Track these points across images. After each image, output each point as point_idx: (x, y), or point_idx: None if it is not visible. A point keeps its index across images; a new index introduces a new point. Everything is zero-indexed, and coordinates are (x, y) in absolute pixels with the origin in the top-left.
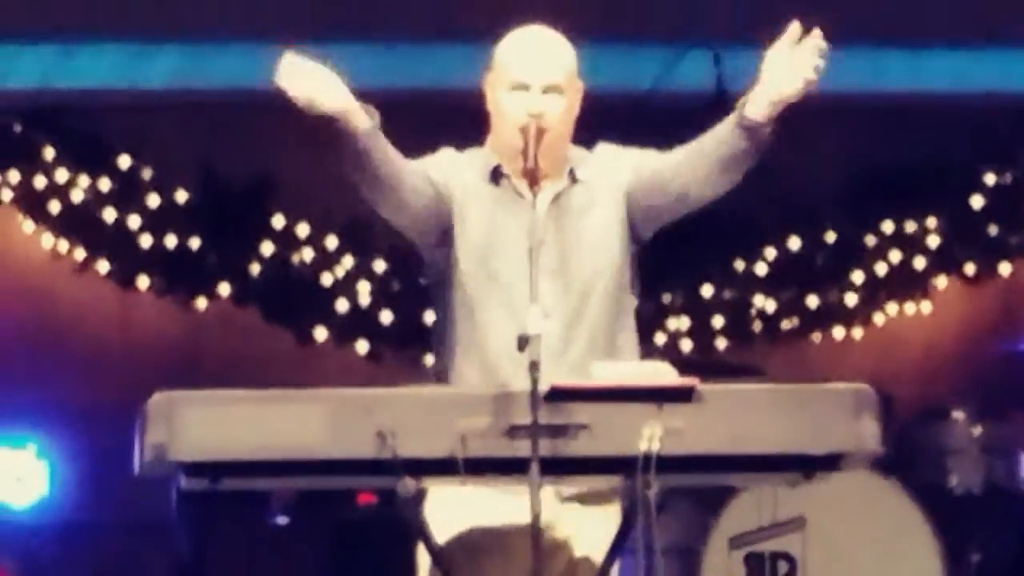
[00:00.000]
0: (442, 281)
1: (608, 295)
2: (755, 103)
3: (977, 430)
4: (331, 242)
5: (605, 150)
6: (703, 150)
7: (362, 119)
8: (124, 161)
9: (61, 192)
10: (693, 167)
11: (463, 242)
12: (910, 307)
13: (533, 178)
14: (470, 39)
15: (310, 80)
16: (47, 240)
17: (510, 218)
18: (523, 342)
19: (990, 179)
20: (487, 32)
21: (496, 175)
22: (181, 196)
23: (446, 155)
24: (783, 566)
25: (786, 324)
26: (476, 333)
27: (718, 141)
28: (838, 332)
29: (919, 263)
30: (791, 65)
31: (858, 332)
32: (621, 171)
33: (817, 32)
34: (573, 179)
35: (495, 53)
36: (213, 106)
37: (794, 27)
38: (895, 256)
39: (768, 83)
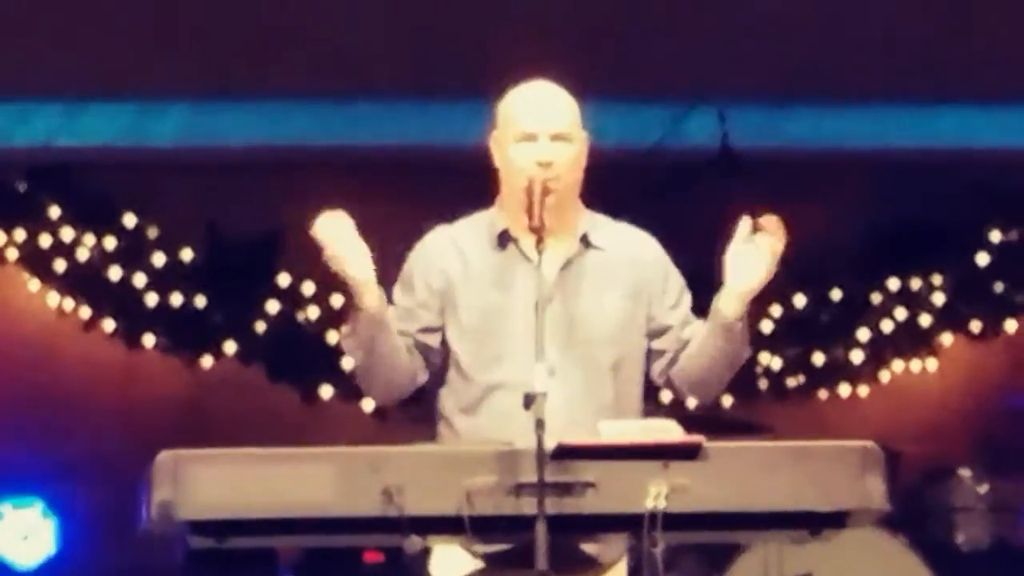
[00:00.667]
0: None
1: (614, 369)
2: (726, 302)
3: (984, 487)
4: (337, 300)
5: (639, 236)
6: (690, 354)
7: (373, 297)
8: (130, 219)
9: (67, 250)
10: (683, 367)
11: (455, 328)
12: (916, 364)
13: (539, 235)
14: (475, 96)
15: (344, 242)
16: (52, 298)
17: (517, 281)
18: (529, 400)
19: (995, 236)
20: (494, 90)
21: (503, 239)
22: (187, 254)
23: (420, 257)
24: None
25: (792, 381)
26: (472, 402)
27: (700, 347)
28: (844, 389)
29: (925, 320)
30: (750, 258)
31: (864, 389)
32: (654, 282)
33: (770, 222)
34: (587, 244)
35: (499, 110)
36: (218, 164)
37: (744, 223)
38: (901, 313)
39: (733, 281)
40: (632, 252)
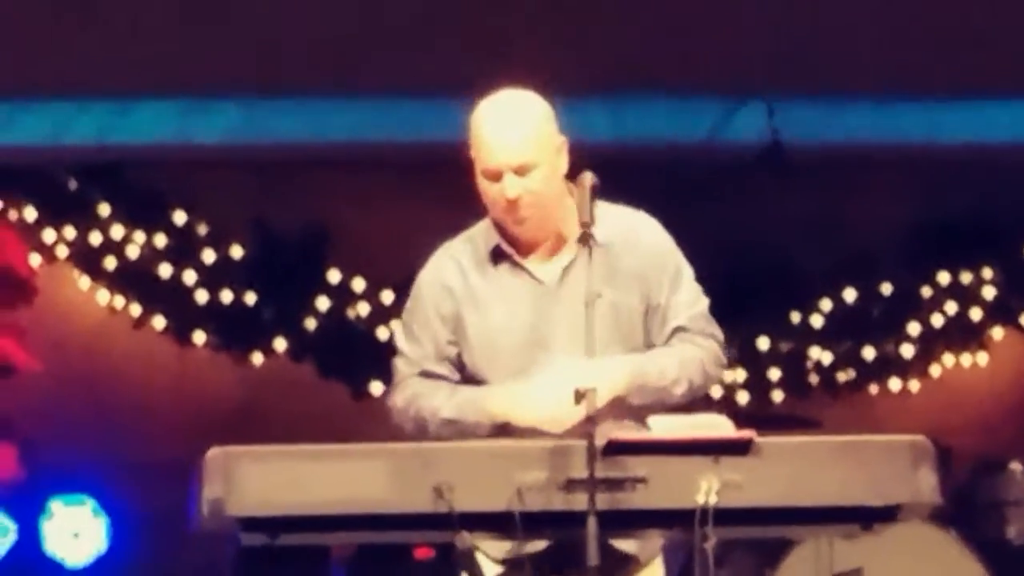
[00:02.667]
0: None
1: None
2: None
3: None
4: (387, 296)
5: (638, 222)
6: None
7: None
8: (180, 217)
9: (117, 248)
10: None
11: (465, 346)
12: (966, 358)
13: (527, 249)
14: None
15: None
16: (103, 296)
17: (517, 296)
18: (579, 396)
19: None
20: (541, 85)
21: (496, 256)
22: (236, 251)
23: (430, 283)
24: None
25: (842, 376)
26: None
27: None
28: (895, 384)
29: (975, 314)
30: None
31: (915, 384)
32: (655, 269)
33: None
34: (586, 241)
35: (469, 128)
36: (268, 161)
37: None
38: (951, 307)
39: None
40: (632, 241)
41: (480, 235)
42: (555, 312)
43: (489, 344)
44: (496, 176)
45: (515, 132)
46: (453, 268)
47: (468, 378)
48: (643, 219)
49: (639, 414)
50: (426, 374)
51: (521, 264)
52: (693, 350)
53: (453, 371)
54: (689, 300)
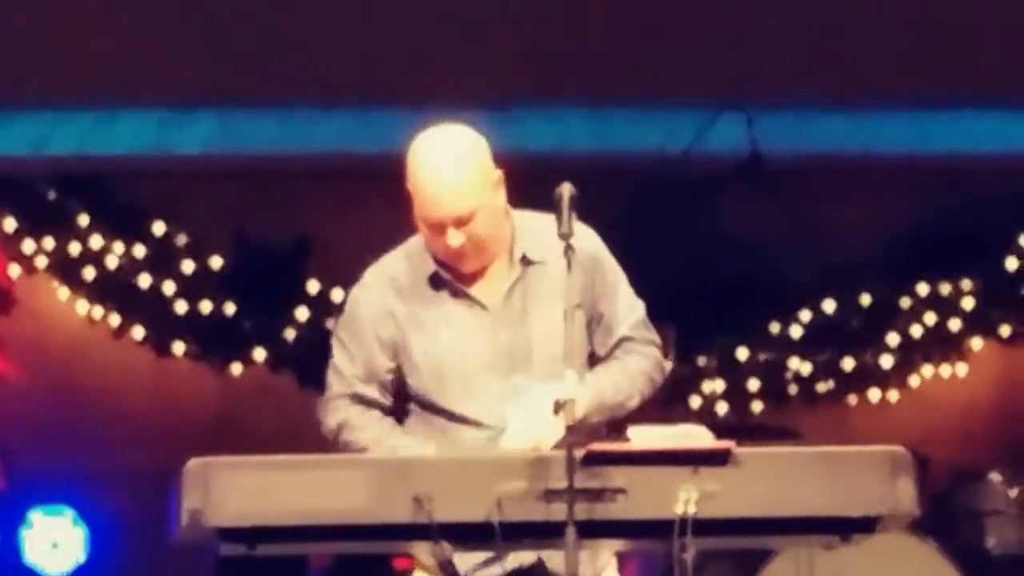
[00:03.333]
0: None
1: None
2: None
3: (1014, 491)
4: None
5: (579, 239)
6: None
7: None
8: (159, 227)
9: (96, 258)
10: None
11: (409, 368)
12: (946, 369)
13: (468, 277)
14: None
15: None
16: (82, 306)
17: (459, 320)
18: (558, 406)
19: None
20: (522, 94)
21: (436, 282)
22: (216, 262)
23: (366, 304)
24: None
25: (822, 387)
26: (437, 435)
27: None
28: (874, 394)
29: (954, 325)
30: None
31: (894, 394)
32: (594, 282)
33: None
34: (526, 263)
35: (407, 168)
36: (247, 172)
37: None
38: (930, 318)
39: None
40: (581, 268)
41: (416, 256)
42: (501, 336)
43: (437, 368)
44: (438, 229)
45: (453, 185)
46: (392, 290)
47: (413, 398)
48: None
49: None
50: (358, 397)
51: (463, 291)
52: (638, 361)
53: (385, 395)
54: (628, 307)
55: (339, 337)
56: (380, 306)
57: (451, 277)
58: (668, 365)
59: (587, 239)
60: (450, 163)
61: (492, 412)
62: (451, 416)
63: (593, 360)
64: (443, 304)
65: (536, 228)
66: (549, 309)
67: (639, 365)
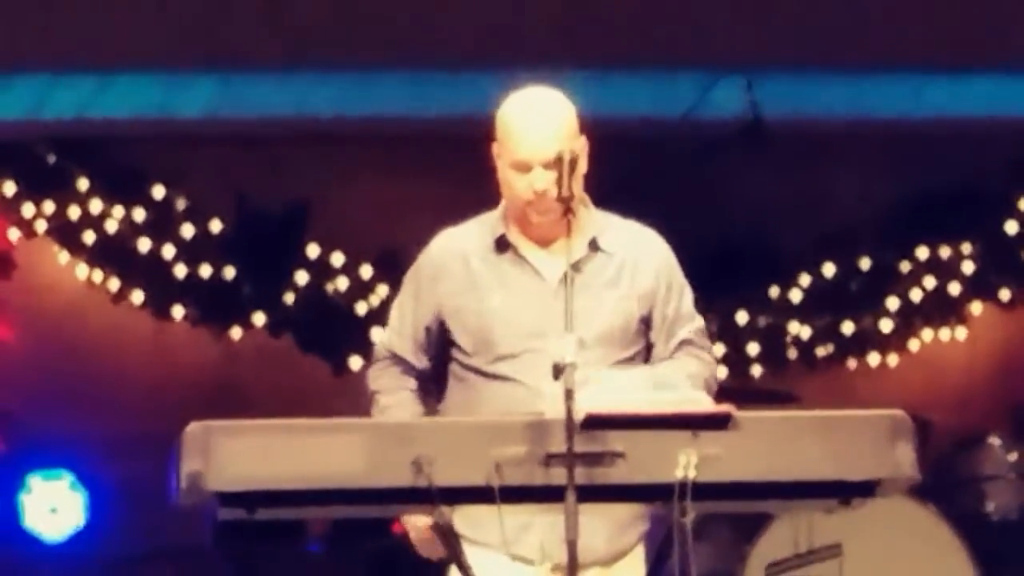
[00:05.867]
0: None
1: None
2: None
3: (1014, 456)
4: (365, 271)
5: (647, 238)
6: None
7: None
8: (158, 191)
9: (95, 222)
10: None
11: (458, 330)
12: (945, 333)
13: (536, 244)
14: (504, 67)
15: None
16: (82, 270)
17: (516, 285)
18: (558, 370)
19: None
20: (521, 60)
21: (501, 245)
22: (215, 226)
23: (427, 266)
24: None
25: (821, 351)
26: (470, 401)
27: None
28: (873, 358)
29: (954, 289)
30: None
31: (893, 358)
32: (658, 287)
33: None
34: (595, 247)
35: (497, 121)
36: (247, 136)
37: None
38: (930, 282)
39: None
40: (638, 255)
41: (489, 223)
42: (553, 308)
43: (484, 329)
44: (526, 168)
45: (547, 127)
46: (455, 252)
47: (456, 359)
48: (650, 233)
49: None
50: (397, 359)
51: (525, 257)
52: (699, 366)
53: (422, 358)
54: (691, 314)
55: (399, 298)
56: (439, 266)
57: (518, 242)
58: (721, 376)
59: (660, 243)
60: (546, 108)
61: (533, 376)
62: (492, 376)
63: (649, 357)
64: (502, 266)
65: (614, 224)
66: (605, 294)
67: (699, 369)
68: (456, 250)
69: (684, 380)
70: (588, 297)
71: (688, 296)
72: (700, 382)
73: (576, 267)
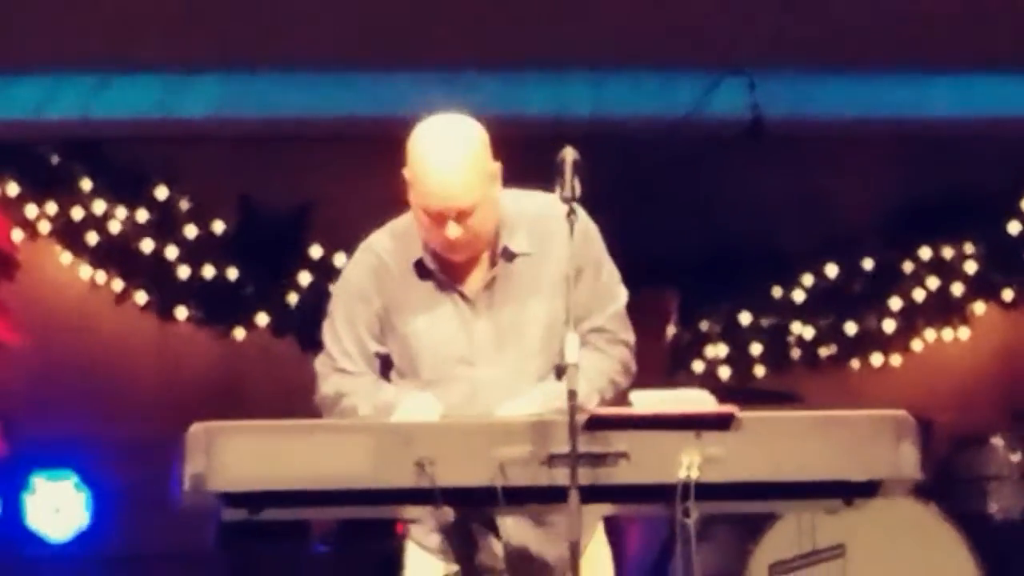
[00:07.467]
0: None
1: (542, 377)
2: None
3: (1016, 456)
4: None
5: (554, 216)
6: None
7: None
8: (161, 192)
9: (99, 223)
10: None
11: (392, 348)
12: (948, 333)
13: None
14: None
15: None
16: (85, 271)
17: (440, 309)
18: (560, 371)
19: None
20: (523, 61)
21: (421, 271)
22: (218, 227)
23: (356, 293)
24: None
25: (824, 351)
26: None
27: None
28: (876, 359)
29: (957, 289)
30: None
31: (896, 359)
32: (569, 278)
33: None
34: (508, 256)
35: (408, 155)
36: (250, 137)
37: None
38: (933, 282)
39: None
40: (550, 245)
41: (402, 238)
42: (478, 327)
43: (409, 351)
44: (437, 220)
45: (456, 178)
46: (380, 267)
47: (396, 371)
48: (554, 211)
49: None
50: (344, 372)
51: (447, 281)
52: (601, 362)
53: (370, 369)
54: (609, 295)
55: (330, 314)
56: (370, 280)
57: (436, 267)
58: (634, 365)
59: (564, 221)
60: (456, 157)
61: (456, 404)
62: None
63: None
64: (425, 291)
65: (525, 213)
66: (527, 303)
67: (600, 366)
68: (380, 266)
69: (583, 383)
70: (513, 310)
71: (605, 273)
72: (601, 380)
73: (491, 284)
